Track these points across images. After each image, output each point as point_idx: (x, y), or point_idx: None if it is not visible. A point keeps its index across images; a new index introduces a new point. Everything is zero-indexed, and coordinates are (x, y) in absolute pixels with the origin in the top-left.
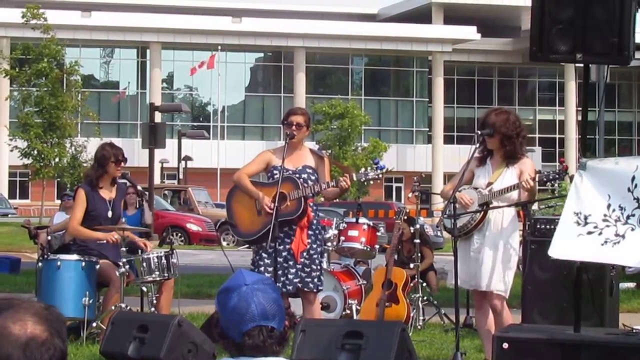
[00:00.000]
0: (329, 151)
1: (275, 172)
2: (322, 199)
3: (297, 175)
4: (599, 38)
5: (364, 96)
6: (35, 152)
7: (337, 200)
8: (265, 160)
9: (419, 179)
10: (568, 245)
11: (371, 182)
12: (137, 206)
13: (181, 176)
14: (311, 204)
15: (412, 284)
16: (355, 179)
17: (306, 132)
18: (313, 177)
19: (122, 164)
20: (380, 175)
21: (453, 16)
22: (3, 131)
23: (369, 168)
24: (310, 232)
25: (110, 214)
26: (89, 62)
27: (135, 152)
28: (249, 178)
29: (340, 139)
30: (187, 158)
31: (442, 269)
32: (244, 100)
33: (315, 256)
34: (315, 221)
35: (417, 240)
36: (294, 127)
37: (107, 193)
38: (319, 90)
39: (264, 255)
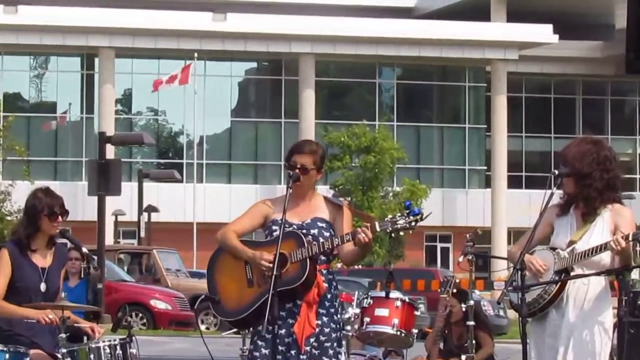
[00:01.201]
0: (348, 199)
1: (275, 227)
2: (339, 265)
3: (305, 231)
4: None
5: (397, 122)
6: None
7: (360, 265)
8: (261, 213)
9: (473, 237)
10: None
11: (401, 233)
12: (82, 276)
13: (143, 234)
14: (324, 270)
15: None
16: (378, 229)
17: (317, 175)
18: (326, 234)
19: (61, 218)
20: (414, 224)
21: (520, 11)
22: None
23: (398, 215)
24: (321, 311)
25: (44, 286)
26: (15, 75)
27: (79, 201)
28: (238, 237)
29: (364, 181)
30: (152, 209)
31: None
32: (230, 129)
33: (327, 344)
34: (329, 295)
35: (471, 322)
36: (298, 171)
37: (41, 259)
38: (334, 113)
39: (260, 343)
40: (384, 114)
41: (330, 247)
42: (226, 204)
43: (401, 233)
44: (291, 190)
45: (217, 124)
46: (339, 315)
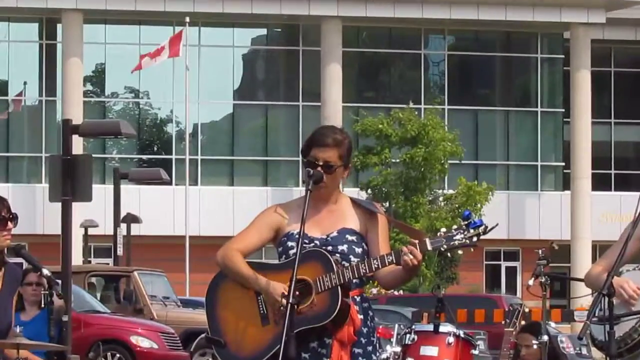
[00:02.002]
0: (386, 204)
1: (290, 243)
2: (375, 291)
3: (330, 248)
4: None
5: (448, 104)
6: None
7: (401, 291)
8: (271, 224)
9: (547, 254)
10: None
11: (459, 251)
12: (43, 305)
13: (120, 251)
14: (357, 297)
15: None
16: (429, 247)
17: (344, 172)
18: (358, 250)
19: (9, 226)
20: (475, 240)
21: None
22: None
23: (454, 228)
24: (357, 350)
25: None
26: None
27: (37, 210)
28: (244, 257)
29: (407, 182)
30: (132, 219)
31: None
32: (232, 115)
33: None
34: (365, 329)
35: None
36: (320, 168)
37: None
38: (367, 94)
39: None
40: (432, 95)
41: (367, 271)
42: (228, 212)
43: (459, 251)
44: (311, 194)
45: (215, 109)
46: (376, 355)
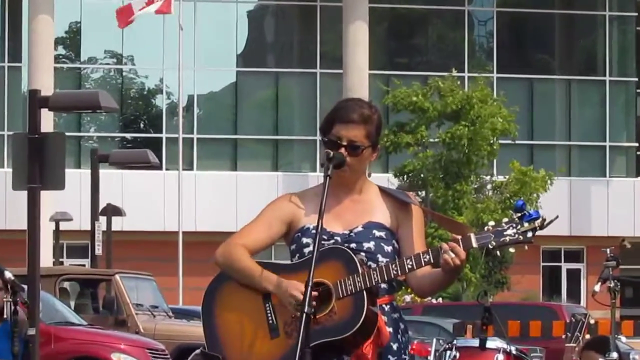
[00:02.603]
0: (422, 194)
1: (306, 240)
2: (408, 298)
3: (354, 246)
4: None
5: (497, 72)
6: None
7: (440, 298)
8: (284, 216)
9: (616, 253)
10: None
11: (511, 250)
12: (5, 315)
13: (99, 250)
14: (386, 306)
15: None
16: (475, 244)
17: (372, 155)
18: (388, 248)
19: None
20: (531, 236)
21: None
22: None
23: (504, 221)
24: None
25: None
26: None
27: None
28: (251, 255)
29: (447, 166)
30: (114, 211)
31: None
32: (235, 85)
33: None
34: (395, 345)
35: None
36: (344, 149)
37: None
38: (399, 60)
39: None
40: (478, 61)
41: (399, 272)
42: (230, 203)
43: (511, 249)
44: (331, 181)
45: (215, 77)
46: None
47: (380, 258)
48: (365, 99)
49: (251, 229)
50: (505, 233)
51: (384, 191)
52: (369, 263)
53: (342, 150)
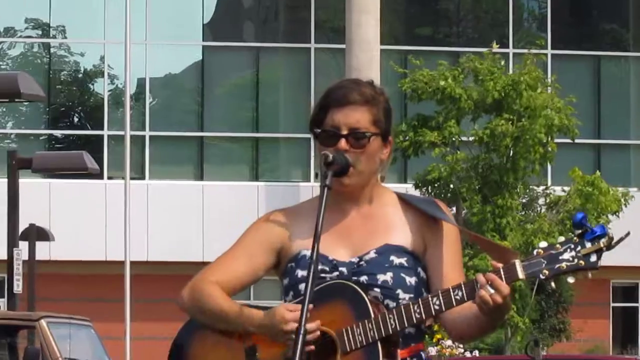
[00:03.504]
0: (453, 209)
1: (301, 272)
2: (434, 351)
3: (365, 279)
4: None
5: (552, 49)
6: None
7: (476, 350)
8: (270, 242)
9: None
10: None
11: (569, 279)
12: None
13: (19, 287)
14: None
15: None
16: (521, 275)
17: (383, 150)
18: (411, 280)
19: None
20: (595, 261)
21: None
22: None
23: (559, 241)
24: None
25: None
26: None
27: None
28: (228, 295)
29: (485, 173)
30: (39, 234)
31: None
32: (202, 64)
33: None
34: None
35: None
36: (344, 143)
37: None
38: (420, 31)
39: None
40: (527, 34)
41: (423, 316)
42: (194, 223)
43: (569, 279)
44: (330, 193)
45: (174, 54)
46: None
47: (401, 294)
48: (376, 82)
49: (227, 261)
50: (561, 257)
51: (405, 201)
52: (386, 302)
53: (343, 142)
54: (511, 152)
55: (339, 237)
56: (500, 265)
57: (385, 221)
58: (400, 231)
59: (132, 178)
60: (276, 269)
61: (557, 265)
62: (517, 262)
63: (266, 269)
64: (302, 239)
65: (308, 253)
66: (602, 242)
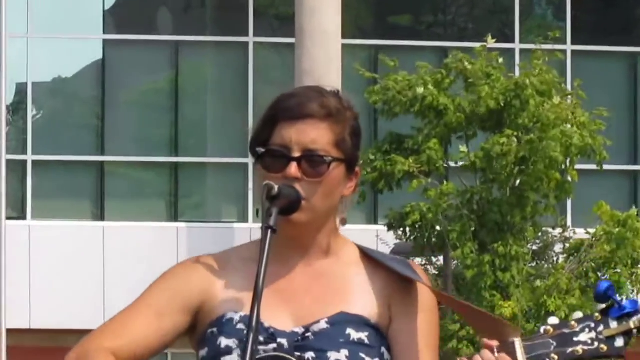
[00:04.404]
0: (436, 261)
1: (225, 341)
2: None
3: (312, 356)
4: None
5: (574, 44)
6: None
7: None
8: (185, 297)
9: None
10: None
11: None
12: None
13: None
14: None
15: None
16: (522, 358)
17: (347, 182)
18: None
19: None
20: (622, 346)
21: None
22: None
23: (575, 317)
24: None
25: None
26: None
27: None
28: None
29: (481, 210)
30: None
31: None
32: (102, 64)
33: None
34: None
35: None
36: (295, 169)
37: None
38: (394, 21)
39: None
40: (539, 22)
41: None
42: (92, 278)
43: None
44: (274, 236)
45: (65, 52)
46: None
47: None
48: (332, 88)
49: (127, 322)
50: (576, 339)
51: (369, 256)
52: None
53: (293, 168)
54: (516, 181)
55: (279, 298)
56: (494, 343)
57: (344, 282)
58: (361, 296)
59: (8, 217)
60: (191, 334)
61: (571, 350)
62: (517, 342)
63: (177, 334)
64: (229, 297)
65: (236, 316)
66: (633, 321)
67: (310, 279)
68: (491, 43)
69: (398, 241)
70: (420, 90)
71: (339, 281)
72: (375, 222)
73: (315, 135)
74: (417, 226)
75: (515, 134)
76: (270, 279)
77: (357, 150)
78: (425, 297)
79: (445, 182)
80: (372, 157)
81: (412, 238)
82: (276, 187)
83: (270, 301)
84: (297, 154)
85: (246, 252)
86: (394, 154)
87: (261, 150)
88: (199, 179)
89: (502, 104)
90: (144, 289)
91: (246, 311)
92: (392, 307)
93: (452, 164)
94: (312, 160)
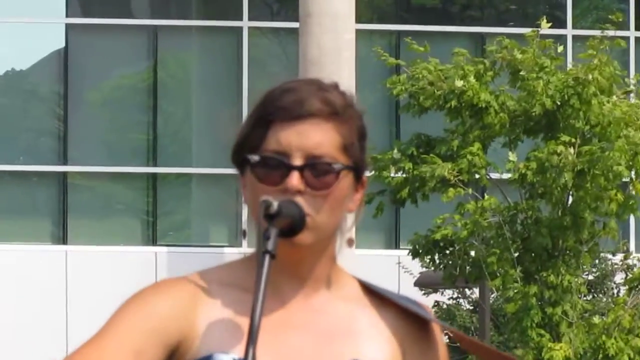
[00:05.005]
0: (470, 294)
1: None
2: None
3: None
4: None
5: (637, 29)
6: None
7: None
8: (159, 331)
9: None
10: None
11: None
12: None
13: None
14: None
15: None
16: None
17: (355, 200)
18: None
19: None
20: None
21: None
22: None
23: None
24: None
25: None
26: None
27: None
28: None
29: (526, 232)
30: None
31: None
32: (65, 52)
33: None
34: None
35: None
36: (297, 179)
37: None
38: (417, 6)
39: None
40: (598, 8)
41: None
42: (53, 311)
43: None
44: (272, 263)
45: (21, 39)
46: None
47: None
48: (348, 84)
49: (92, 349)
50: None
51: (371, 291)
52: None
53: (295, 178)
54: (571, 197)
55: (273, 339)
56: None
57: (350, 321)
58: (372, 339)
59: None
60: None
61: None
62: None
63: None
64: (213, 333)
65: (225, 357)
66: None
67: (310, 316)
68: (545, 27)
69: (424, 269)
70: (459, 83)
71: (342, 318)
72: (397, 247)
73: (319, 138)
74: (447, 252)
75: (572, 140)
76: (269, 316)
77: (365, 155)
78: (441, 340)
79: (485, 197)
80: (396, 157)
81: (440, 268)
82: (275, 204)
83: (269, 346)
84: (299, 162)
85: (228, 276)
86: (423, 158)
87: (254, 158)
88: (183, 194)
89: (559, 103)
90: (106, 321)
91: (238, 353)
92: (407, 351)
93: (494, 175)
94: (317, 169)
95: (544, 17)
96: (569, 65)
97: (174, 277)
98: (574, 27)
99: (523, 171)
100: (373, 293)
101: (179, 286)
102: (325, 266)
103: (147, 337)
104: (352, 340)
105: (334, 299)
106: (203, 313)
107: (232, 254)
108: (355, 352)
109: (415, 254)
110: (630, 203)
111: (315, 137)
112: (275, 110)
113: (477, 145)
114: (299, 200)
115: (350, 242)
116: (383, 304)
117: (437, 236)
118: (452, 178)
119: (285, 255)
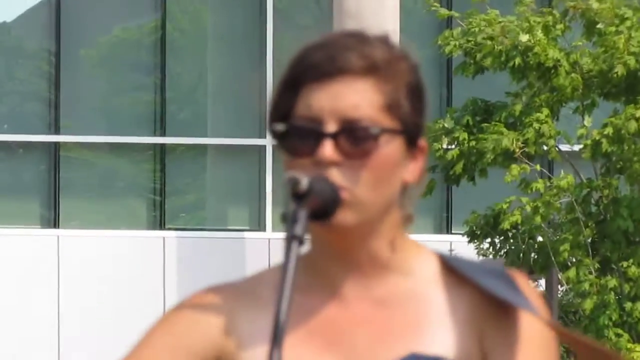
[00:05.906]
0: (543, 284)
1: None
2: None
3: None
4: None
5: None
6: None
7: None
8: (193, 347)
9: None
10: None
11: None
12: None
13: None
14: None
15: None
16: None
17: (412, 170)
18: None
19: None
20: None
21: None
22: None
23: None
24: None
25: None
26: None
27: None
28: None
29: (606, 213)
30: None
31: None
32: (57, 6)
33: None
34: None
35: None
36: (330, 149)
37: None
38: None
39: None
40: None
41: None
42: (44, 310)
43: None
44: (300, 246)
45: None
46: None
47: None
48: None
49: None
50: None
51: (453, 270)
52: None
53: (328, 148)
54: None
55: (323, 339)
56: None
57: (416, 309)
58: (441, 328)
59: None
60: None
61: None
62: None
63: None
64: (258, 343)
65: None
66: None
67: (368, 309)
68: None
69: (482, 257)
70: (523, 37)
71: (409, 308)
72: (448, 231)
73: (356, 98)
74: (512, 237)
75: None
76: (310, 312)
77: (421, 116)
78: (532, 327)
79: (561, 173)
80: (447, 126)
81: (503, 254)
82: (305, 180)
83: (311, 343)
84: (332, 128)
85: (274, 279)
86: (482, 127)
87: (281, 127)
88: (196, 169)
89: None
90: (137, 342)
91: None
92: (486, 340)
93: (564, 148)
94: (353, 135)
95: None
96: None
97: (212, 286)
98: None
99: (597, 138)
100: (453, 271)
101: (217, 297)
102: (382, 246)
103: (172, 354)
104: (417, 331)
105: (398, 284)
106: (248, 323)
107: (254, 239)
108: (417, 345)
109: (472, 236)
110: None
111: (350, 98)
112: (304, 69)
113: (545, 111)
114: (335, 173)
115: (408, 220)
116: (461, 283)
117: (506, 225)
118: (516, 150)
119: (331, 242)
